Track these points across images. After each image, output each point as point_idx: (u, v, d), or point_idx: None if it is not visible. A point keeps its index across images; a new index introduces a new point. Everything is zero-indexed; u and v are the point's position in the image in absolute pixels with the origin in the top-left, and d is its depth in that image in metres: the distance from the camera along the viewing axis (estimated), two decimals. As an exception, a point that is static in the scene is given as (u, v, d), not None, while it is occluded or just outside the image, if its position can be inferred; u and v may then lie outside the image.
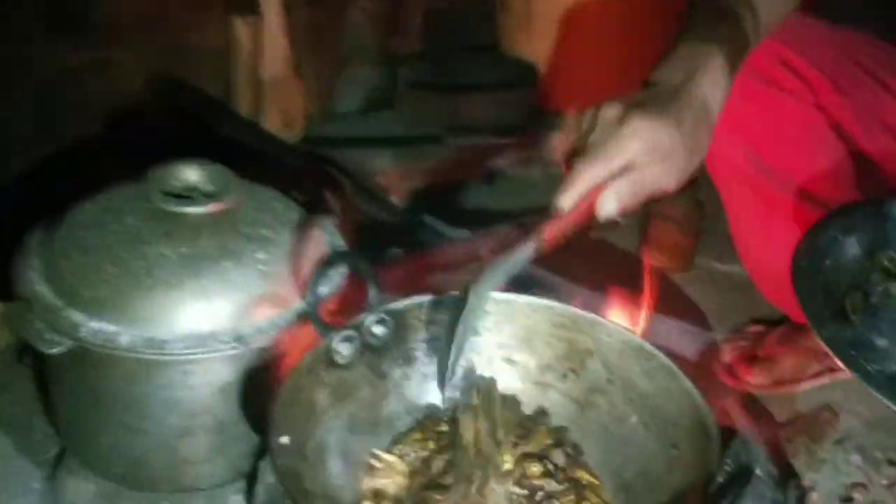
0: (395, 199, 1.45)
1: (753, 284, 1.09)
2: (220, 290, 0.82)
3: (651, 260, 1.34)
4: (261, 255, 0.85)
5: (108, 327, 0.80)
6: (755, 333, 1.19)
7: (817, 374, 1.14)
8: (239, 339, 0.81)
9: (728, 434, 0.65)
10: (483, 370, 0.82)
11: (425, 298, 0.80)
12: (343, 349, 0.75)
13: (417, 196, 1.45)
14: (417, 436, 0.77)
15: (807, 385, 1.13)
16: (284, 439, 0.66)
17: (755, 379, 1.11)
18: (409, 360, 0.80)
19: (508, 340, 0.81)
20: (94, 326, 0.81)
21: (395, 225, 1.37)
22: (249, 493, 0.83)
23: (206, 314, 0.82)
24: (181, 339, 0.80)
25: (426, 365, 0.80)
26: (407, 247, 1.25)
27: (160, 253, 0.83)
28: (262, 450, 0.80)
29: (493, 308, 0.81)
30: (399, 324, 0.79)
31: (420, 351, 0.80)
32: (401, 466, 0.73)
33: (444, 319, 0.78)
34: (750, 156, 0.95)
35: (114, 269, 0.82)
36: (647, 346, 0.74)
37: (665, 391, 0.73)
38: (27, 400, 0.98)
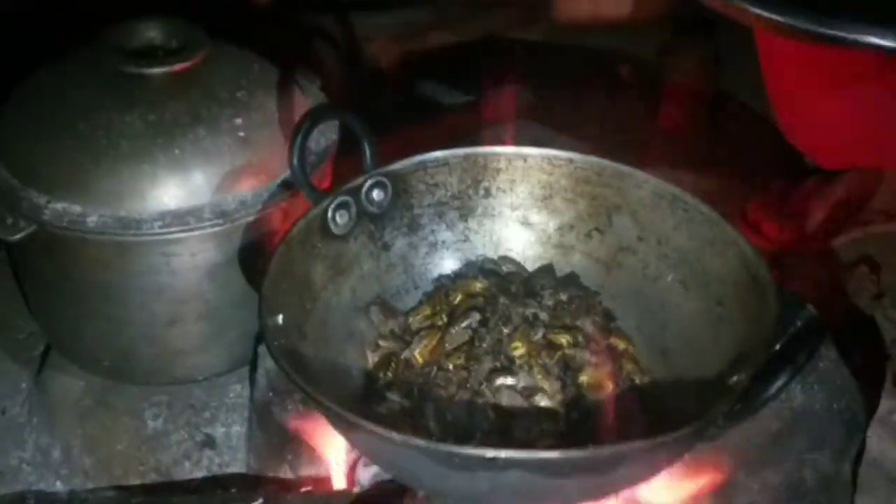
0: (387, 66, 1.34)
1: (779, 133, 1.01)
2: (196, 160, 0.74)
3: (667, 120, 1.25)
4: (239, 121, 0.76)
5: (74, 207, 0.73)
6: (782, 188, 1.11)
7: (848, 228, 1.07)
8: (222, 214, 0.73)
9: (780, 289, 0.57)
10: (496, 234, 0.73)
11: (429, 156, 0.71)
12: (338, 217, 0.67)
13: (411, 62, 1.34)
14: (427, 311, 0.70)
15: (837, 240, 1.06)
16: (279, 318, 0.59)
17: (784, 236, 1.04)
18: (414, 227, 0.72)
19: (524, 200, 0.73)
20: (57, 207, 0.73)
21: (388, 95, 1.27)
22: (251, 380, 0.77)
23: (183, 188, 0.74)
24: (157, 217, 0.73)
25: (434, 232, 0.73)
26: (403, 119, 1.18)
27: (124, 121, 0.74)
28: (261, 335, 0.74)
29: (505, 164, 0.72)
30: (400, 188, 0.70)
31: (426, 217, 0.72)
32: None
33: (451, 181, 0.69)
34: None
35: (74, 143, 0.74)
36: (685, 194, 0.65)
37: (706, 243, 0.65)
38: (6, 297, 0.91)
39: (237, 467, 0.79)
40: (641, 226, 0.69)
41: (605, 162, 0.70)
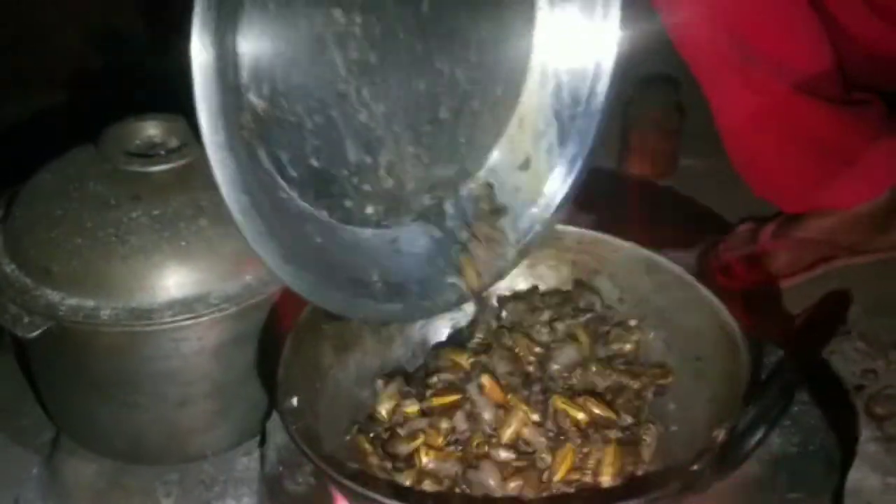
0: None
1: (740, 179, 1.06)
2: (201, 249, 0.77)
3: (633, 169, 1.30)
4: None
5: (87, 302, 0.75)
6: (748, 231, 1.16)
7: (812, 265, 1.13)
8: (227, 299, 0.76)
9: (753, 341, 0.62)
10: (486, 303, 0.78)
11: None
12: (341, 299, 0.70)
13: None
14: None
15: (802, 277, 1.11)
16: (294, 401, 0.62)
17: (752, 276, 1.09)
18: (409, 300, 0.76)
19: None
20: (72, 304, 0.75)
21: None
22: (261, 458, 0.79)
23: (190, 277, 0.76)
24: (167, 306, 0.75)
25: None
26: None
27: (130, 217, 0.77)
28: (269, 410, 0.77)
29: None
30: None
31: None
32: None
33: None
34: (734, 39, 0.91)
35: (84, 241, 0.77)
36: (656, 257, 0.71)
37: (681, 303, 0.70)
38: (13, 384, 0.93)
39: (249, 542, 0.81)
40: (621, 288, 0.74)
41: (584, 231, 0.75)
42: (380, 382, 0.71)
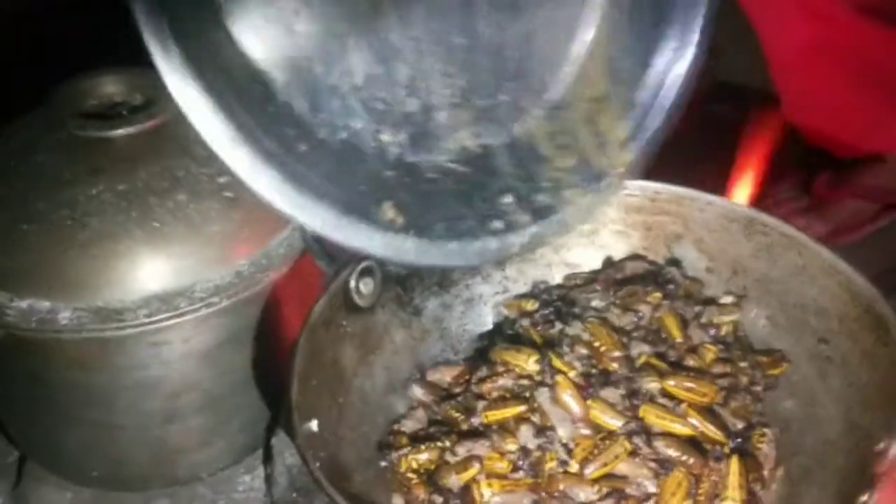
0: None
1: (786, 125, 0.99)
2: (179, 231, 0.65)
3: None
4: (223, 179, 0.67)
5: (42, 304, 0.64)
6: (797, 183, 1.05)
7: (876, 216, 1.02)
8: (216, 291, 0.65)
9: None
10: (539, 281, 0.64)
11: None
12: (362, 286, 0.57)
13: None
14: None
15: (867, 229, 1.00)
16: (313, 425, 0.49)
17: (811, 229, 0.98)
18: (445, 284, 0.64)
19: (567, 239, 0.64)
20: (22, 307, 0.64)
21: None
22: (267, 478, 0.69)
23: (167, 266, 0.65)
24: (140, 304, 0.64)
25: (469, 287, 0.64)
26: None
27: (90, 195, 0.65)
28: (273, 422, 0.69)
29: (542, 199, 0.62)
30: (427, 240, 0.60)
31: (459, 271, 0.63)
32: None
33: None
34: None
35: (33, 227, 0.65)
36: (762, 215, 0.57)
37: (794, 270, 0.56)
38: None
39: (260, 575, 0.70)
40: (710, 255, 0.60)
41: (660, 185, 0.61)
42: (416, 389, 0.57)
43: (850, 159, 1.01)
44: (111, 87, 0.70)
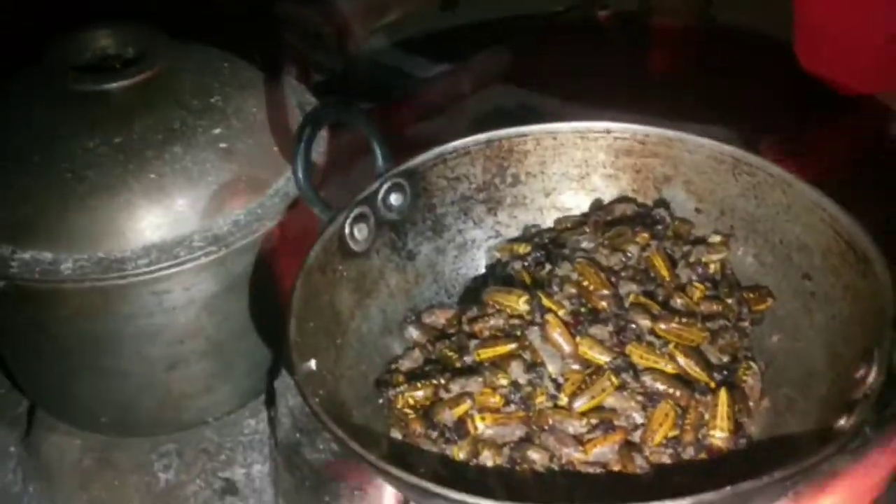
0: (352, 45, 1.25)
1: (781, 66, 0.94)
2: (177, 182, 0.66)
3: (657, 64, 1.17)
4: (217, 130, 0.68)
5: (44, 255, 0.65)
6: (796, 124, 1.04)
7: (868, 155, 1.01)
8: (214, 240, 0.65)
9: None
10: (530, 225, 0.65)
11: (447, 147, 0.62)
12: (357, 231, 0.58)
13: (377, 36, 1.26)
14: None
15: (860, 167, 0.99)
16: (312, 364, 0.50)
17: (806, 175, 0.97)
18: (438, 229, 0.64)
19: (557, 182, 0.64)
20: (25, 257, 0.65)
21: (357, 75, 1.18)
22: (270, 420, 0.70)
23: (166, 217, 0.66)
24: (141, 253, 0.65)
25: (461, 232, 0.65)
26: (372, 97, 1.10)
27: (87, 148, 0.66)
28: (275, 366, 0.69)
29: (532, 145, 0.64)
30: (419, 187, 0.62)
31: (451, 216, 0.64)
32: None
33: (474, 172, 0.61)
34: None
35: (33, 180, 0.66)
36: (749, 156, 0.57)
37: (780, 210, 0.57)
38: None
39: (266, 513, 0.72)
40: (699, 196, 0.61)
41: (649, 128, 0.61)
42: (412, 330, 0.58)
43: (846, 101, 1.00)
44: (104, 40, 0.70)
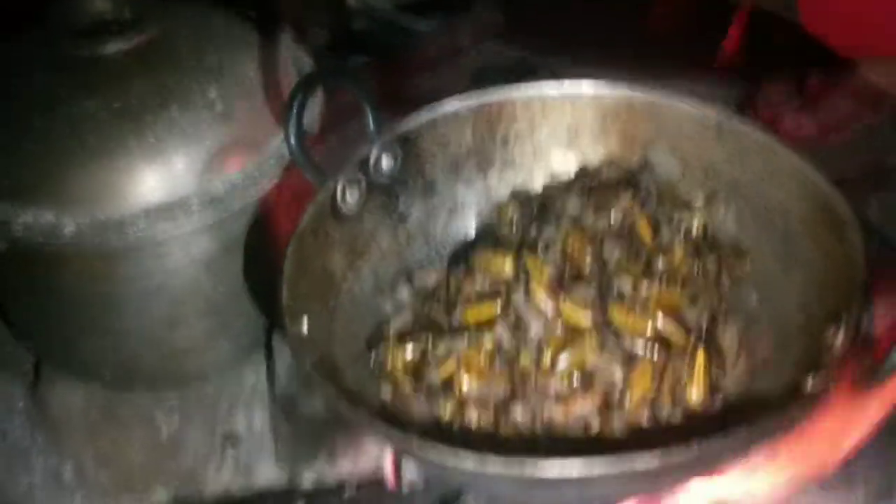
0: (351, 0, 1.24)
1: (783, 21, 0.94)
2: (174, 144, 0.66)
3: (653, 21, 1.16)
4: (214, 92, 0.68)
5: (45, 217, 0.65)
6: (792, 81, 1.03)
7: (865, 113, 1.00)
8: (212, 202, 0.66)
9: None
10: (520, 186, 0.66)
11: (438, 111, 0.62)
12: (348, 195, 0.59)
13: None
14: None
15: (857, 126, 0.99)
16: (304, 327, 0.52)
17: (800, 127, 0.97)
18: (429, 192, 0.64)
19: (546, 145, 0.65)
20: (27, 220, 0.65)
21: (355, 30, 1.18)
22: (269, 374, 0.72)
23: (165, 179, 0.66)
24: (141, 215, 0.65)
25: (454, 192, 0.66)
26: (369, 52, 1.10)
27: (86, 112, 0.66)
28: (272, 323, 0.71)
29: (522, 107, 0.64)
30: (411, 151, 0.62)
31: (441, 179, 0.64)
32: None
33: (465, 135, 0.61)
34: None
35: (33, 143, 0.66)
36: (733, 120, 0.58)
37: (761, 173, 0.58)
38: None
39: (267, 462, 0.74)
40: (684, 160, 0.62)
41: (636, 92, 0.62)
42: (403, 291, 0.60)
43: (848, 63, 0.99)
44: (101, 4, 0.70)
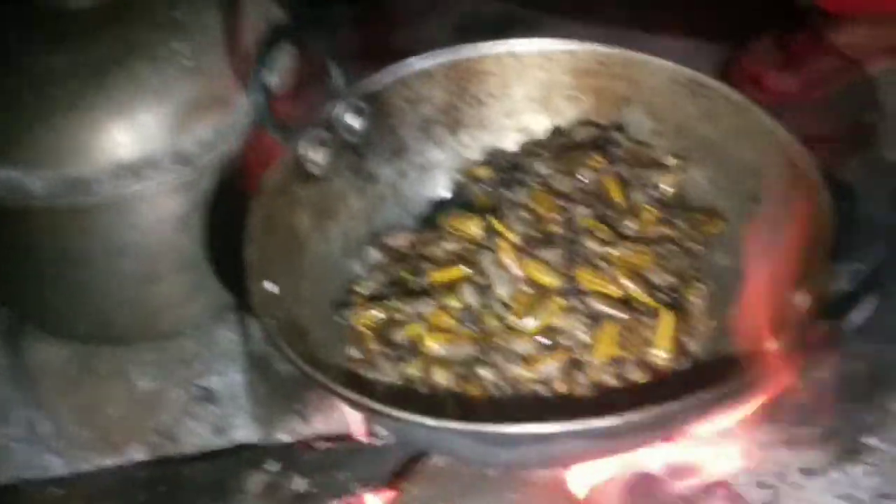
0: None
1: None
2: (142, 100, 0.65)
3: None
4: (179, 46, 0.67)
5: (12, 174, 0.64)
6: (774, 38, 1.02)
7: (847, 71, 0.99)
8: (182, 159, 0.65)
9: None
10: (493, 147, 0.65)
11: (407, 68, 0.61)
12: (316, 155, 0.58)
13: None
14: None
15: (840, 84, 0.98)
16: (269, 285, 0.51)
17: (783, 85, 0.96)
18: (399, 151, 0.64)
19: (520, 104, 0.64)
20: None
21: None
22: (244, 333, 0.72)
23: (132, 135, 0.65)
24: (108, 173, 0.65)
25: (423, 153, 0.65)
26: (354, 4, 1.08)
27: (51, 66, 0.65)
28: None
29: (494, 66, 0.63)
30: (379, 108, 0.61)
31: (412, 138, 0.64)
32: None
33: (436, 93, 0.60)
34: None
35: None
36: (708, 80, 0.57)
37: (735, 133, 0.57)
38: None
39: (242, 419, 0.74)
40: (657, 118, 0.61)
41: (611, 49, 0.61)
42: (372, 252, 0.59)
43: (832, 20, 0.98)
44: (65, -42, 0.68)
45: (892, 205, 0.80)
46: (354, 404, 0.47)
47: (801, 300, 0.46)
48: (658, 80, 0.60)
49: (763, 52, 1.02)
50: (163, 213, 0.68)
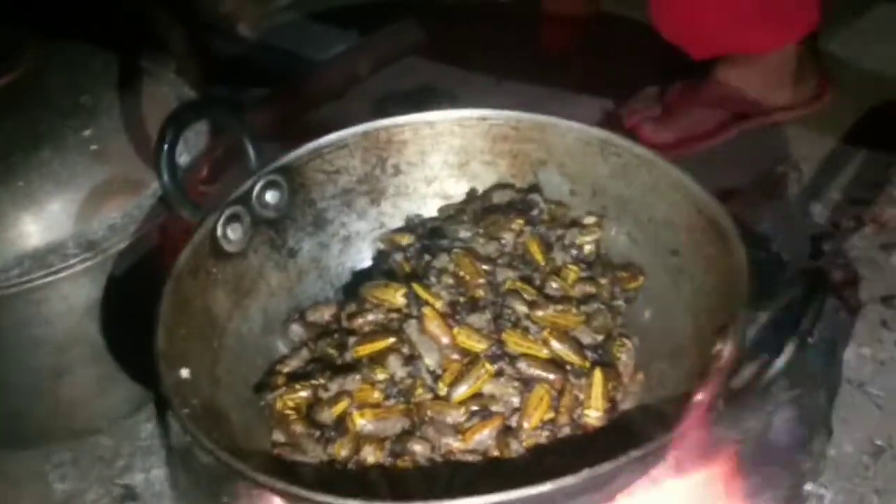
0: (245, 29, 1.23)
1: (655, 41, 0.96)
2: (47, 187, 0.64)
3: (549, 43, 1.19)
4: (87, 132, 0.67)
5: None
6: (653, 93, 1.06)
7: (724, 126, 1.03)
8: (89, 246, 0.64)
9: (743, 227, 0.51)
10: (414, 214, 0.65)
11: (323, 141, 0.61)
12: (230, 232, 0.57)
13: (270, 20, 1.24)
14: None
15: (716, 140, 1.01)
16: (183, 372, 0.49)
17: (659, 137, 0.99)
18: (320, 224, 0.64)
19: (438, 171, 0.65)
20: None
21: (249, 59, 1.17)
22: (162, 424, 0.68)
23: (38, 224, 0.64)
24: (12, 263, 0.63)
25: (345, 225, 0.65)
26: (270, 83, 1.09)
27: None
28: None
29: (411, 135, 0.63)
30: (297, 183, 0.61)
31: (333, 210, 0.64)
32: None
33: (354, 164, 0.60)
34: None
35: None
36: (615, 137, 0.58)
37: (647, 189, 0.58)
38: None
39: (166, 516, 0.71)
40: (572, 179, 0.62)
41: (522, 114, 0.62)
42: (295, 328, 0.58)
43: (704, 68, 1.01)
44: (-33, 40, 0.68)
45: (807, 250, 0.83)
46: (279, 492, 0.44)
47: (723, 349, 0.46)
48: (569, 142, 0.61)
49: (640, 106, 1.05)
50: (72, 301, 0.66)
